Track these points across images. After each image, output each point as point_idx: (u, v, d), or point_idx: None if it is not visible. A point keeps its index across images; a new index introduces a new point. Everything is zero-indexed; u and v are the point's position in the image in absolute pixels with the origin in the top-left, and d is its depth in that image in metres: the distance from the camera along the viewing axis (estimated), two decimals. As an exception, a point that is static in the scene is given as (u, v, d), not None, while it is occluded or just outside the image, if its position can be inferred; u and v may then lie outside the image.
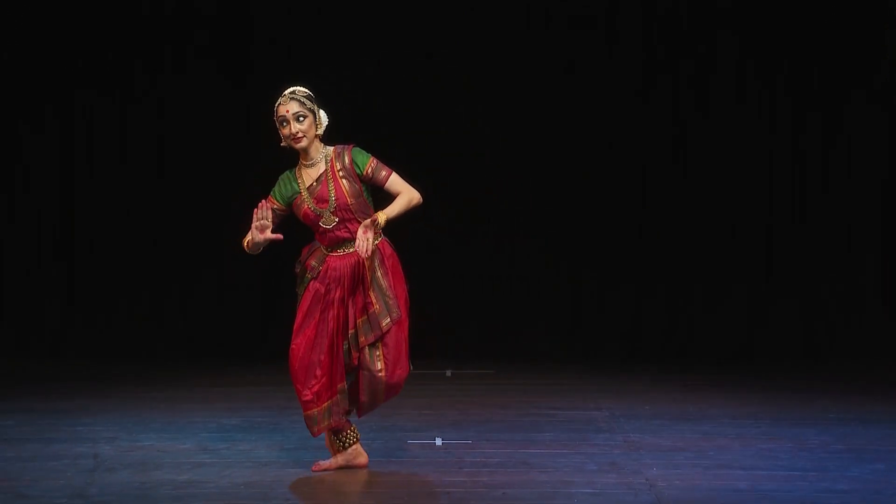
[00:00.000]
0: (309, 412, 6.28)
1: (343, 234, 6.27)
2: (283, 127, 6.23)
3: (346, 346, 6.28)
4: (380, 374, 6.24)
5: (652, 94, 10.36)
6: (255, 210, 6.22)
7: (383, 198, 6.30)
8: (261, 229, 6.21)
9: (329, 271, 6.29)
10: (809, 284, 10.32)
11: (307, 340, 6.28)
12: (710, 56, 10.32)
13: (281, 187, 6.34)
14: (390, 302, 6.25)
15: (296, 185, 6.30)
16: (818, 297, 10.31)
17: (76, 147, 10.40)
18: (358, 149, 6.32)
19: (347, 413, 6.36)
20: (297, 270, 6.42)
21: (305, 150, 6.28)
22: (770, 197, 10.33)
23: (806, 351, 10.24)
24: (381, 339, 6.24)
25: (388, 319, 6.24)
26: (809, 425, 7.55)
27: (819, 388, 9.00)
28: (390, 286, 6.29)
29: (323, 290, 6.29)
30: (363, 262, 6.25)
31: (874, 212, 10.33)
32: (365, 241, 6.13)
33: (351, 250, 6.28)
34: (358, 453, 6.42)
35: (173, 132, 10.40)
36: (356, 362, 6.28)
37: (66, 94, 10.36)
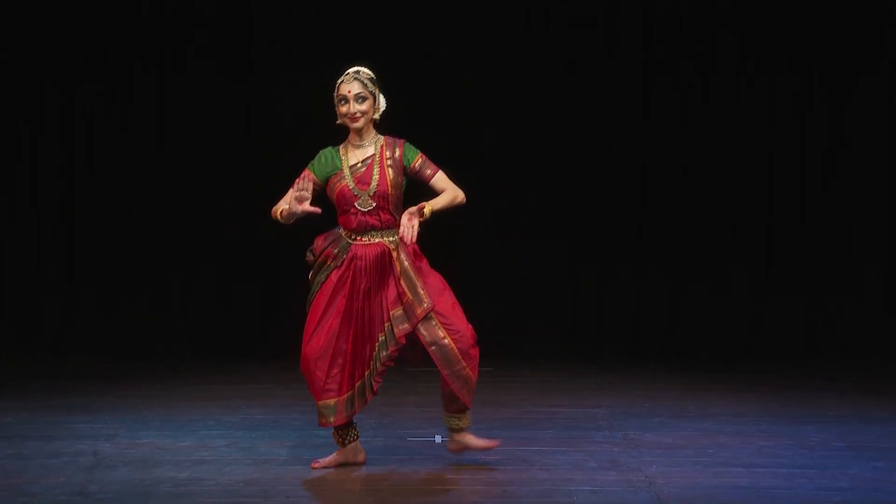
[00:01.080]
0: (326, 401, 6.25)
1: (373, 220, 6.27)
2: (342, 105, 6.27)
3: (381, 339, 6.27)
4: (444, 340, 6.21)
5: (652, 93, 10.35)
6: (298, 180, 6.19)
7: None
8: (300, 200, 6.16)
9: (355, 260, 6.27)
10: (810, 283, 10.30)
11: (331, 329, 6.25)
12: (711, 56, 10.32)
13: (321, 162, 6.33)
14: (420, 292, 6.25)
15: (338, 162, 6.30)
16: (818, 295, 10.30)
17: (76, 147, 10.38)
18: (409, 144, 6.36)
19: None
20: (310, 259, 6.38)
21: (359, 131, 6.30)
22: (770, 196, 10.31)
23: (806, 349, 10.22)
24: (429, 315, 6.21)
25: (423, 307, 6.23)
26: (809, 423, 7.56)
27: (819, 386, 9.01)
28: (419, 275, 6.29)
29: (348, 279, 6.26)
30: (390, 252, 6.27)
31: (875, 211, 10.32)
32: (410, 228, 6.14)
33: (377, 240, 6.28)
34: (357, 451, 6.43)
35: (173, 132, 10.37)
36: (395, 355, 6.26)
37: (66, 94, 10.34)
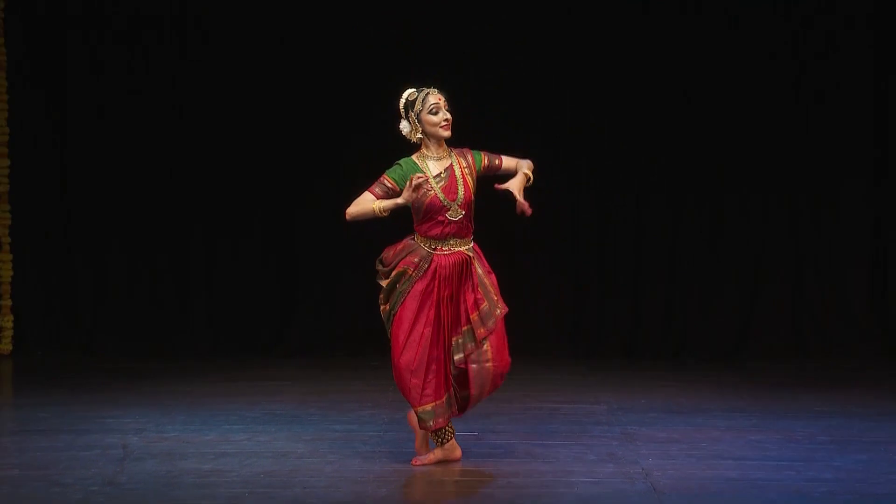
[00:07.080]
0: (427, 406, 6.31)
1: (457, 229, 6.34)
2: (436, 115, 6.32)
3: (456, 342, 6.32)
4: (487, 364, 6.32)
5: (638, 94, 10.27)
6: (378, 183, 6.26)
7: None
8: (418, 188, 6.22)
9: (438, 269, 6.32)
10: (798, 285, 10.24)
11: (423, 338, 6.30)
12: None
13: (403, 169, 6.36)
14: (494, 298, 6.37)
15: (419, 172, 6.33)
16: (806, 297, 10.24)
17: (103, 139, 10.23)
18: (474, 150, 6.48)
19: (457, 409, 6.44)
20: (381, 269, 6.39)
21: (442, 142, 6.37)
22: (764, 198, 10.24)
23: (794, 348, 10.16)
24: (483, 337, 6.33)
25: (498, 312, 6.37)
26: (797, 418, 7.64)
27: (806, 383, 9.03)
28: (492, 283, 6.41)
29: (432, 289, 6.32)
30: (469, 261, 6.33)
31: (862, 213, 10.24)
32: (520, 201, 6.27)
33: (456, 249, 6.34)
34: (454, 447, 6.52)
35: (189, 130, 10.24)
36: (467, 356, 6.31)
37: (60, 80, 10.21)
